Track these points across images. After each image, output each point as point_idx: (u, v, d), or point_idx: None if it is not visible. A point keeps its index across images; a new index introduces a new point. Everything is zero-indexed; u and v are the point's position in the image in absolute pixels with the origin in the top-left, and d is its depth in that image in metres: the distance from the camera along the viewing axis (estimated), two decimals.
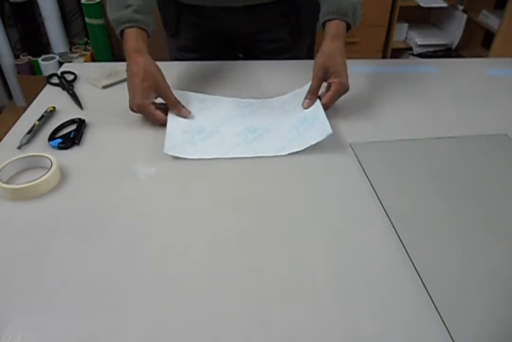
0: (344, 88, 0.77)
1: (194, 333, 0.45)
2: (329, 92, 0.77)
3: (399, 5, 2.34)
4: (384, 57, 2.57)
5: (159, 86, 0.75)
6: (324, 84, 0.79)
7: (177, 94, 0.78)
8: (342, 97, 0.79)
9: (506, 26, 2.09)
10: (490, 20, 2.26)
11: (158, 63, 0.77)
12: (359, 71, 0.95)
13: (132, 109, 0.76)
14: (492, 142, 0.74)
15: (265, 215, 0.60)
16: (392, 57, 2.57)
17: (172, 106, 0.77)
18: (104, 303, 0.48)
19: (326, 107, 0.77)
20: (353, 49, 2.34)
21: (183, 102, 0.78)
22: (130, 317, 0.47)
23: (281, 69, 0.97)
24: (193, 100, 0.82)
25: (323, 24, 0.81)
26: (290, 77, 0.92)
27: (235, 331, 0.45)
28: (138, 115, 0.77)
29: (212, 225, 0.58)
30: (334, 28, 0.79)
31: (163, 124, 0.76)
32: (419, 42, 2.49)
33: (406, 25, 2.54)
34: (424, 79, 0.95)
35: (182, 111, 0.77)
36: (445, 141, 0.74)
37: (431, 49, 2.53)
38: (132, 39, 0.76)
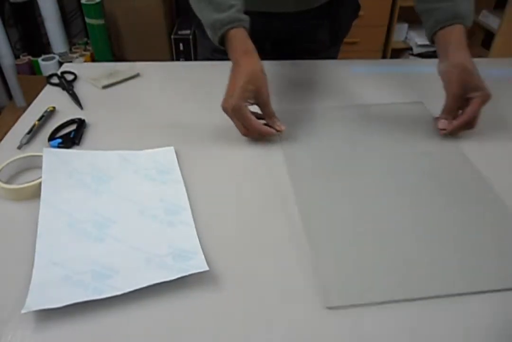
0: (488, 100, 0.71)
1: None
2: (471, 107, 0.70)
3: (399, 5, 2.34)
4: (384, 57, 2.57)
5: (261, 93, 0.68)
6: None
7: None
8: (342, 99, 0.79)
9: (506, 26, 2.09)
10: (490, 20, 2.26)
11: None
12: (359, 71, 0.94)
13: (225, 110, 0.69)
14: (408, 109, 0.80)
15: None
16: (392, 57, 2.57)
17: (268, 117, 0.71)
18: (104, 302, 0.48)
19: (471, 126, 0.72)
20: (353, 49, 2.34)
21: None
22: (130, 317, 0.47)
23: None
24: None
25: (434, 34, 0.77)
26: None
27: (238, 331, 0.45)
28: (139, 115, 0.77)
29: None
30: (457, 33, 0.75)
31: (254, 132, 0.70)
32: (419, 42, 2.49)
33: (406, 25, 2.54)
34: (424, 79, 0.94)
35: (276, 125, 0.70)
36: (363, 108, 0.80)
37: (431, 49, 2.52)
38: (240, 39, 0.71)
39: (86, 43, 2.31)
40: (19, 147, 0.72)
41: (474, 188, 0.64)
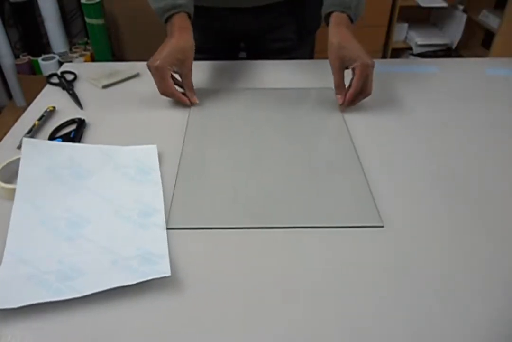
0: (369, 67, 0.75)
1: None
2: (355, 78, 0.76)
3: (399, 5, 2.34)
4: (384, 57, 2.57)
5: (185, 65, 0.77)
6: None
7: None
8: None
9: (506, 26, 2.09)
10: (490, 20, 2.26)
11: None
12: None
13: (148, 67, 0.76)
14: (319, 94, 0.87)
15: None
16: (392, 57, 2.57)
17: (186, 88, 0.80)
18: (104, 302, 0.48)
19: (366, 93, 0.78)
20: None
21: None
22: (130, 316, 0.47)
23: (284, 69, 0.97)
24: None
25: (326, 19, 0.82)
26: (292, 77, 0.92)
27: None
28: (139, 115, 0.77)
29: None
30: (337, 17, 0.80)
31: (171, 94, 0.78)
32: (419, 42, 2.49)
33: (406, 25, 2.54)
34: (424, 79, 0.95)
35: (191, 97, 0.80)
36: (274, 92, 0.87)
37: (431, 49, 2.53)
38: (179, 20, 0.79)
39: (86, 43, 2.31)
40: (19, 147, 0.72)
41: (341, 148, 0.72)
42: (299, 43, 1.08)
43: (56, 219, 0.57)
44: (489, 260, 0.53)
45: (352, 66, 0.77)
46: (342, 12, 0.80)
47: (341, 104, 0.80)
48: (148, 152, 0.68)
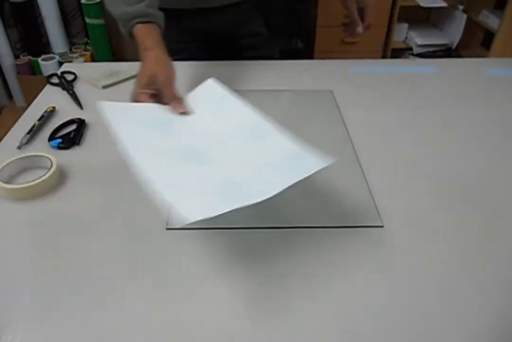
0: (372, 5, 0.97)
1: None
2: (369, 13, 0.99)
3: (399, 5, 2.34)
4: (384, 57, 2.57)
5: (155, 78, 0.68)
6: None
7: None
8: (342, 99, 0.79)
9: (506, 26, 2.09)
10: (490, 20, 2.26)
11: None
12: (359, 71, 0.95)
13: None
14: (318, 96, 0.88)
15: None
16: (392, 57, 2.57)
17: (168, 100, 0.68)
18: (104, 302, 0.48)
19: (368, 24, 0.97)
20: (353, 49, 2.34)
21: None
22: (130, 316, 0.47)
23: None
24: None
25: None
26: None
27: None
28: None
29: None
30: None
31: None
32: (419, 42, 2.49)
33: (406, 25, 2.54)
34: (424, 79, 0.95)
35: (177, 108, 0.67)
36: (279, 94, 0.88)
37: (431, 49, 2.53)
38: (144, 34, 0.73)
39: (86, 43, 2.31)
40: (19, 147, 0.72)
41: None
42: (270, 38, 1.11)
43: (177, 150, 0.55)
44: (489, 260, 0.53)
45: (362, 5, 0.96)
46: None
47: (351, 34, 0.96)
48: (206, 90, 0.70)
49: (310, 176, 0.49)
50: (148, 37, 0.72)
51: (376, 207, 0.60)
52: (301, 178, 0.48)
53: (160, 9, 0.97)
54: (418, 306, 0.48)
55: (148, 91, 0.68)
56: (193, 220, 0.41)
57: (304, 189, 0.63)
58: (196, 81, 0.83)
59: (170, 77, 0.69)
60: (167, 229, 0.57)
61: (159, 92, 0.68)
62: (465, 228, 0.58)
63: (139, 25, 0.73)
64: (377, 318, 0.47)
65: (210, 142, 0.59)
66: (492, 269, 0.52)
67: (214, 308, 0.47)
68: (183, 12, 1.00)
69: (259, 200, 0.45)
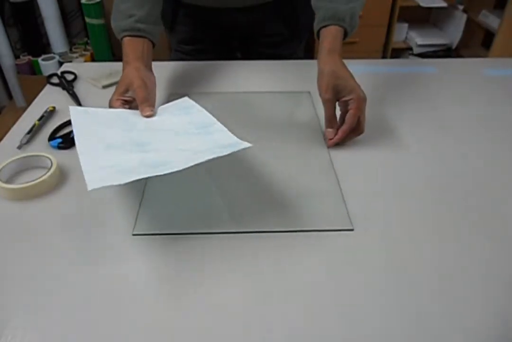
0: (364, 102, 0.69)
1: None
2: (350, 113, 0.68)
3: (399, 5, 2.34)
4: (384, 57, 2.57)
5: (132, 87, 0.71)
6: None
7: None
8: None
9: (506, 26, 2.09)
10: (490, 20, 2.26)
11: (155, 63, 0.77)
12: (359, 71, 0.94)
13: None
14: (296, 98, 0.88)
15: None
16: (392, 57, 2.57)
17: (140, 104, 0.70)
18: (104, 302, 0.48)
19: (359, 131, 0.70)
20: (353, 49, 2.34)
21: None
22: (130, 316, 0.47)
23: (277, 69, 0.97)
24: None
25: (318, 33, 0.77)
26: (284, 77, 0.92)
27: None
28: None
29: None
30: (330, 36, 0.74)
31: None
32: (419, 42, 2.49)
33: (406, 25, 2.54)
34: (424, 79, 0.95)
35: (144, 110, 0.69)
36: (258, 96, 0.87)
37: (431, 49, 2.53)
38: (128, 48, 0.77)
39: (86, 43, 2.31)
40: (19, 147, 0.72)
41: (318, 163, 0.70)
42: (291, 38, 1.10)
43: (121, 143, 0.60)
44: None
45: (346, 99, 0.69)
46: (337, 25, 0.74)
47: (330, 140, 0.72)
48: (179, 102, 0.73)
49: (227, 155, 0.53)
50: (131, 51, 0.76)
51: (347, 210, 0.60)
52: (215, 155, 0.52)
53: (184, 4, 0.98)
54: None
55: (123, 98, 0.72)
56: (91, 188, 0.47)
57: (276, 193, 0.63)
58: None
59: (144, 85, 0.72)
60: (133, 234, 0.56)
61: (135, 99, 0.72)
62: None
63: (127, 38, 0.78)
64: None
65: (158, 136, 0.64)
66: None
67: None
68: (203, 8, 1.01)
69: (166, 172, 0.50)
